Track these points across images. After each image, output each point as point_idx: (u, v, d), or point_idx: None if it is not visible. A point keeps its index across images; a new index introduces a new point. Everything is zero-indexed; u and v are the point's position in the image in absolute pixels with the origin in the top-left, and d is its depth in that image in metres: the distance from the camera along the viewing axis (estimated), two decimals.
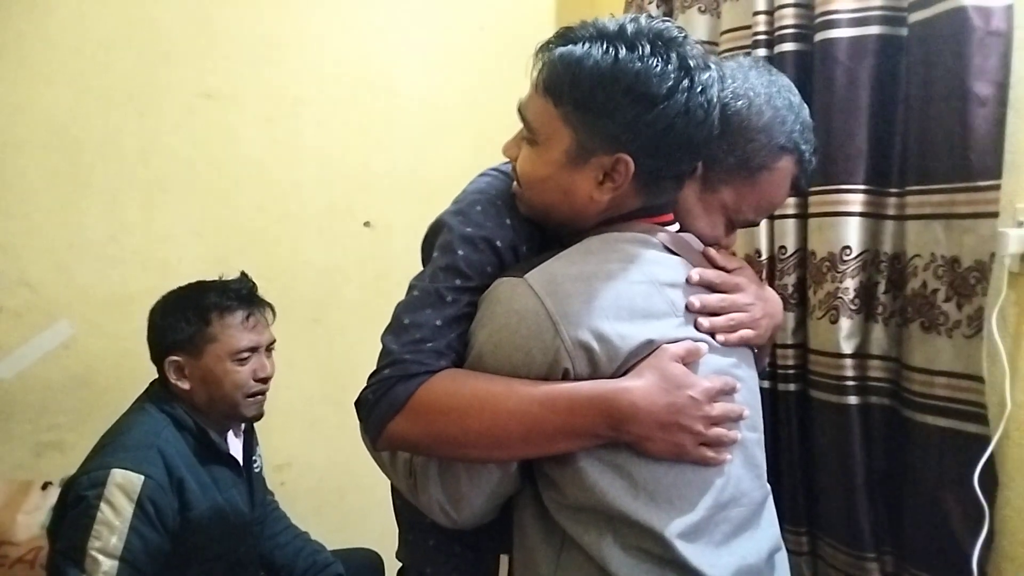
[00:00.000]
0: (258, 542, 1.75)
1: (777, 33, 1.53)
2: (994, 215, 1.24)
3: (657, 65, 0.87)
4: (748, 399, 0.99)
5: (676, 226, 1.02)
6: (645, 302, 0.91)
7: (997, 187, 1.23)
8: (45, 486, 1.95)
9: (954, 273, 1.29)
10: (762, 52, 1.56)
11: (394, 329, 0.97)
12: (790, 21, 1.51)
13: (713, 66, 0.93)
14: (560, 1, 2.44)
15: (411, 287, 1.00)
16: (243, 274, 1.67)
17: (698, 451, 0.90)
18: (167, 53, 2.10)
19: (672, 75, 0.87)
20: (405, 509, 1.15)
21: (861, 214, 1.43)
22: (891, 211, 1.42)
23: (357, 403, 0.97)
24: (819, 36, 1.45)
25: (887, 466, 1.44)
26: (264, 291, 2.16)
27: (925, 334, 1.33)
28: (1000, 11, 1.24)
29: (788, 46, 1.51)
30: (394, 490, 1.18)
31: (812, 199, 1.49)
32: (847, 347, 1.44)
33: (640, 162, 0.91)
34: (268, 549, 1.80)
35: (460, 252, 0.98)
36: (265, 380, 1.62)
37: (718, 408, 0.91)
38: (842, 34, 1.42)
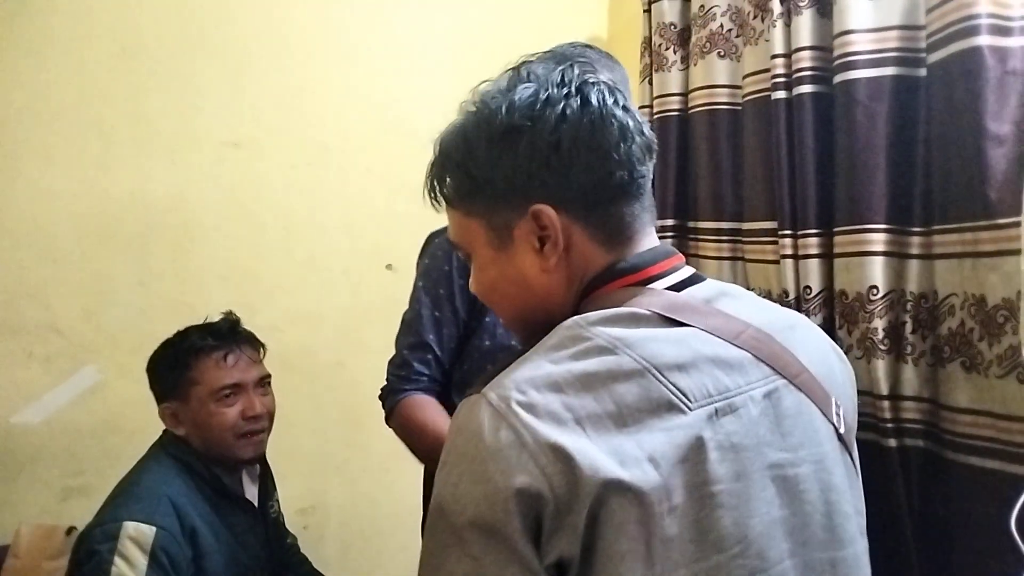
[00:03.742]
0: None
1: (796, 75, 1.54)
2: (1017, 252, 1.23)
3: (503, 102, 0.79)
4: (841, 512, 0.79)
5: (683, 272, 0.84)
6: (639, 400, 0.69)
7: (1018, 224, 1.23)
8: (70, 531, 1.95)
9: (984, 312, 1.28)
10: (782, 95, 1.57)
11: (395, 349, 1.52)
12: (807, 64, 1.53)
13: (579, 67, 0.83)
14: None
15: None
16: (226, 313, 1.66)
17: None
18: (196, 103, 2.15)
19: (528, 99, 0.78)
20: None
21: (885, 253, 1.43)
22: (915, 250, 1.41)
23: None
24: (838, 78, 1.46)
25: (925, 509, 1.41)
26: (289, 334, 2.18)
27: (967, 374, 1.32)
28: (1017, 51, 1.25)
29: (807, 88, 1.53)
30: None
31: (837, 239, 1.49)
32: (884, 388, 1.42)
33: (559, 202, 0.79)
34: None
35: (423, 282, 1.50)
36: (257, 418, 1.57)
37: None
38: (860, 75, 1.43)
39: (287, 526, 1.84)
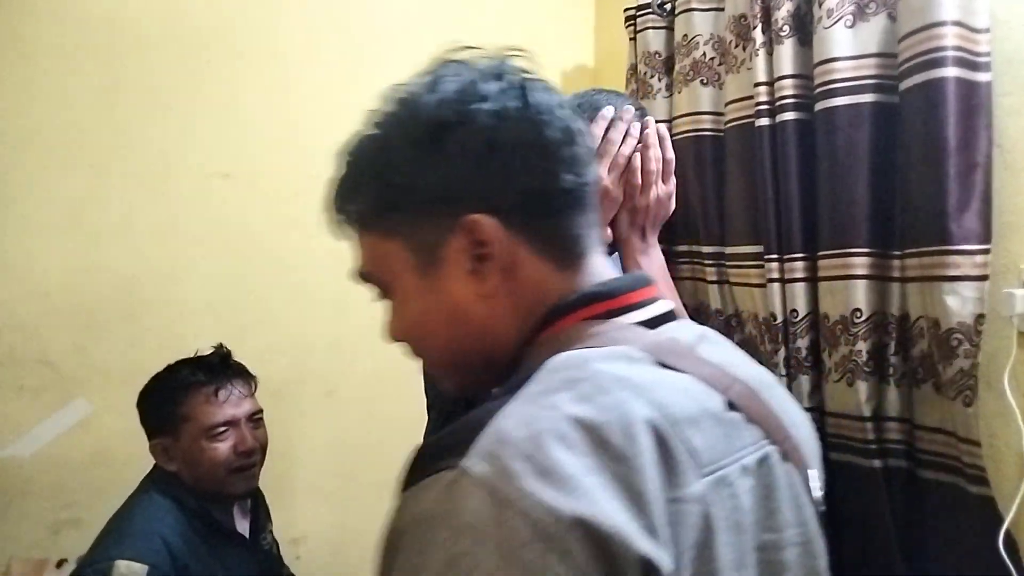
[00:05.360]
0: None
1: (778, 103, 1.57)
2: (982, 278, 1.25)
3: (428, 97, 0.68)
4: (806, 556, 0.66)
5: (660, 306, 0.70)
6: (656, 461, 0.55)
7: (985, 251, 1.25)
8: (60, 564, 1.94)
9: (938, 335, 1.30)
10: (765, 121, 1.59)
11: None
12: (789, 91, 1.55)
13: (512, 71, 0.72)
14: (565, 79, 2.51)
15: None
16: (217, 346, 1.65)
17: None
18: (185, 135, 2.16)
19: (458, 91, 0.67)
20: None
21: (867, 277, 1.45)
22: (895, 273, 1.44)
23: None
24: (819, 105, 1.49)
25: (910, 529, 1.42)
26: (278, 364, 2.18)
27: (936, 394, 1.34)
28: (982, 86, 1.28)
29: (789, 115, 1.55)
30: None
31: (821, 263, 1.50)
32: (867, 410, 1.44)
33: (497, 212, 0.66)
34: None
35: None
36: (249, 453, 1.56)
37: None
38: (841, 102, 1.45)
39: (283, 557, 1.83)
